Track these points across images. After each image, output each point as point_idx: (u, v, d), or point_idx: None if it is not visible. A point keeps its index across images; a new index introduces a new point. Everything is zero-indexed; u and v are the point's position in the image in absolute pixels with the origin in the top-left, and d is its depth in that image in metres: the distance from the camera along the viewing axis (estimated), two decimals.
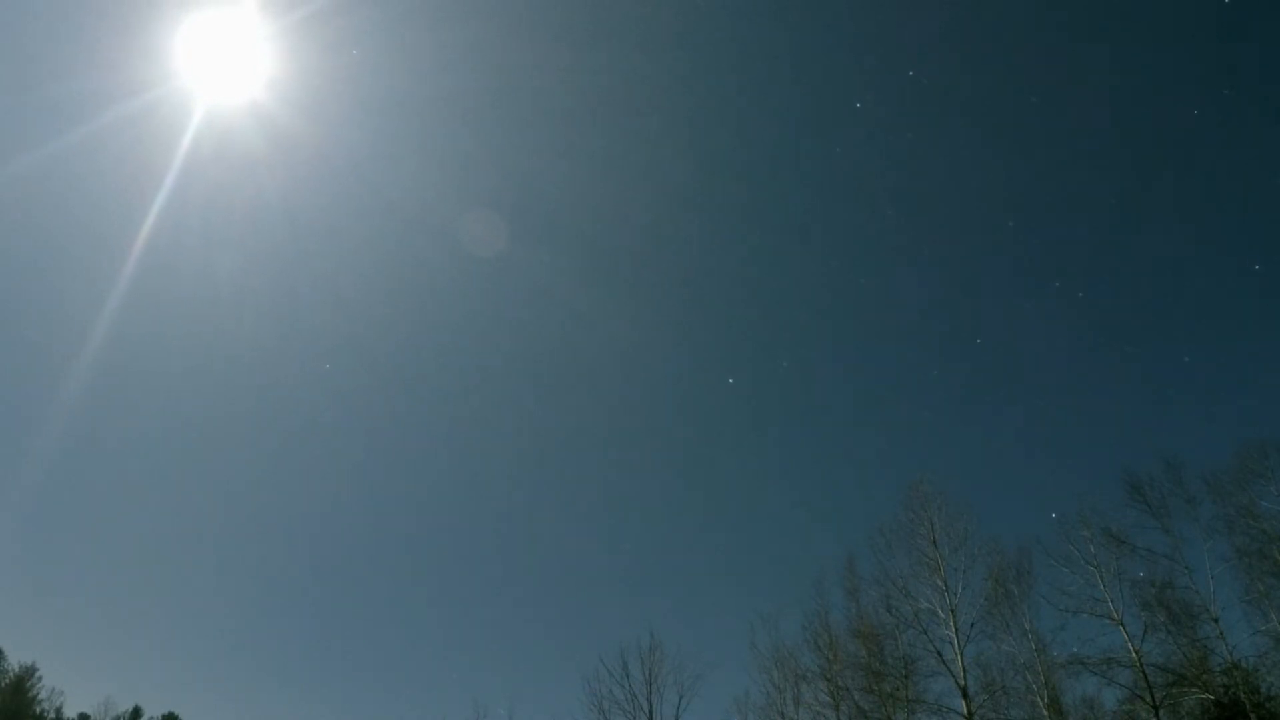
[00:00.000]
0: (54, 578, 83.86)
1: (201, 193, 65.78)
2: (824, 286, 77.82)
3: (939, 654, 26.67)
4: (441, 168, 71.11)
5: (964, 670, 25.96)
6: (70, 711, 71.12)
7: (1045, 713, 25.75)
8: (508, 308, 78.59)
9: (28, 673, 68.07)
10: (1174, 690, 24.69)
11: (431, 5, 55.24)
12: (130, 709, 75.25)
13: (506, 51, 61.14)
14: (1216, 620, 24.03)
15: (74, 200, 71.10)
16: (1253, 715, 23.21)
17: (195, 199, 67.66)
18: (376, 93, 63.44)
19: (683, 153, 76.32)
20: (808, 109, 71.23)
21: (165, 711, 76.25)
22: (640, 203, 73.98)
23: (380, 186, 69.53)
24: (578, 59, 62.82)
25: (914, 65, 65.58)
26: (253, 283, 77.99)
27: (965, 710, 25.40)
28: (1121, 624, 25.09)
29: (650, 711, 33.71)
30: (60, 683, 71.97)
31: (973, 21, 63.01)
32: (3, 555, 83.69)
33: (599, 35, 66.96)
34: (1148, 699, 24.16)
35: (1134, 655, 24.56)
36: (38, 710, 67.62)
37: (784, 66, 66.93)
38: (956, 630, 26.42)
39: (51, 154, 57.13)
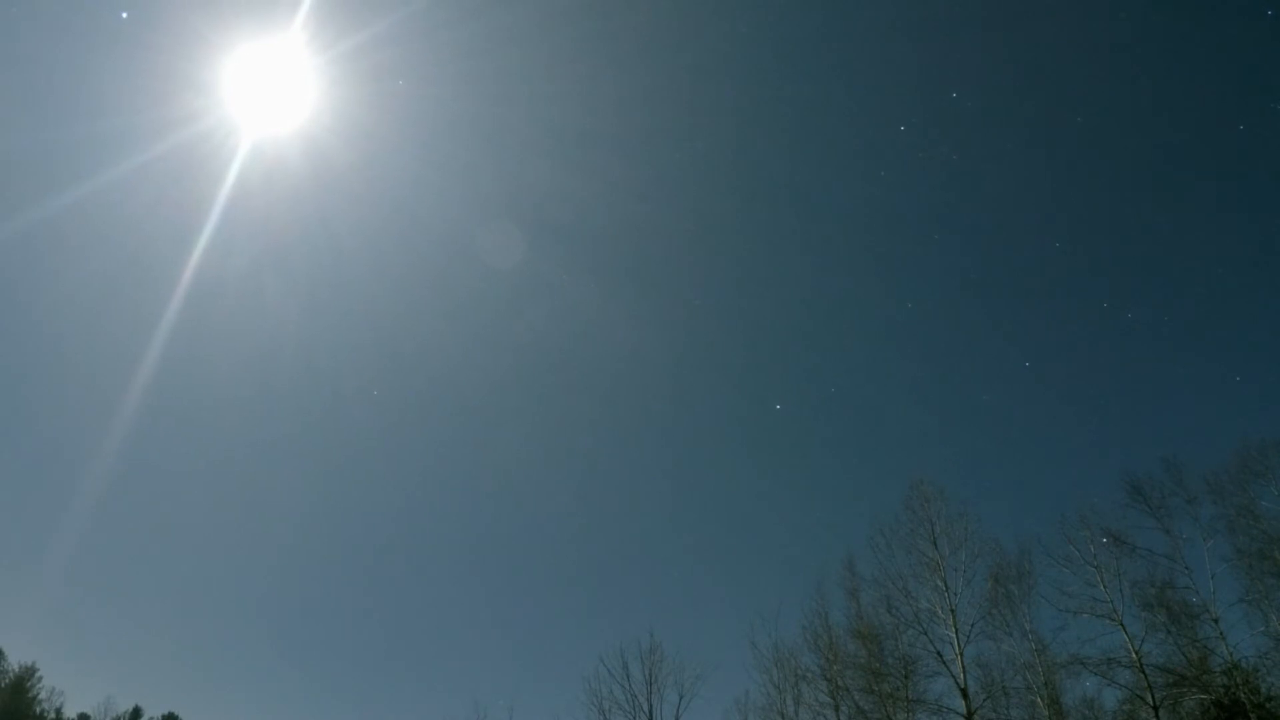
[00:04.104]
0: (55, 578, 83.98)
1: (249, 222, 66.67)
2: (844, 294, 78.07)
3: (939, 654, 26.70)
4: (489, 196, 71.67)
5: (964, 670, 25.98)
6: (70, 711, 71.11)
7: (1045, 713, 25.75)
8: (536, 325, 79.07)
9: (28, 673, 68.02)
10: (1174, 691, 24.68)
11: (478, 35, 55.10)
12: (130, 709, 75.25)
13: (553, 79, 61.32)
14: (1217, 620, 24.02)
15: (125, 231, 72.33)
16: (1253, 716, 23.18)
17: (242, 228, 68.62)
18: (423, 123, 63.83)
19: (727, 178, 76.82)
20: (852, 132, 71.41)
21: (165, 711, 76.31)
22: (682, 227, 74.40)
23: (426, 215, 70.16)
24: (624, 86, 63.13)
25: (957, 87, 65.61)
26: (300, 310, 79.13)
27: (965, 710, 25.39)
28: (1122, 624, 25.09)
29: (650, 712, 33.74)
30: (60, 683, 71.89)
31: (1014, 43, 63.16)
32: (3, 555, 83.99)
33: (644, 61, 67.47)
34: (1148, 699, 24.15)
35: (1134, 655, 24.55)
36: (38, 710, 67.57)
37: (828, 91, 67.22)
38: (956, 630, 26.42)
39: (102, 186, 57.63)
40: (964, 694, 25.61)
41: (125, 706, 74.79)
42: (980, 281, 74.51)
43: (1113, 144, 64.00)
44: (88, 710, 72.33)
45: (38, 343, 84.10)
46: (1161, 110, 62.02)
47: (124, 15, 53.45)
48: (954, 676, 25.99)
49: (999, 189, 70.56)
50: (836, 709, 29.52)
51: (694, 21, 63.27)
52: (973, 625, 26.73)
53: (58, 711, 69.75)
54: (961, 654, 26.09)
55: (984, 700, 26.35)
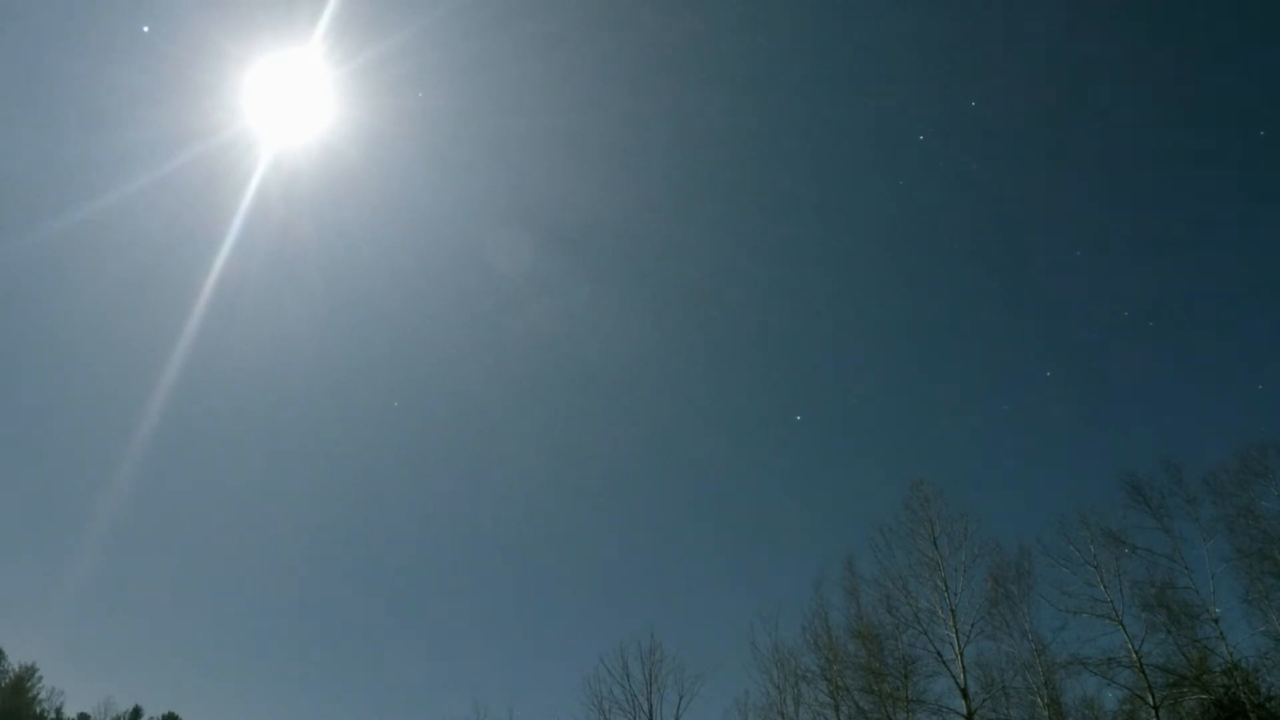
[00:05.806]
0: (55, 577, 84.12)
1: (269, 234, 66.64)
2: (859, 301, 78.13)
3: (939, 654, 26.74)
4: (508, 207, 72.13)
5: (964, 670, 26.00)
6: (70, 711, 71.03)
7: (1045, 713, 25.76)
8: (553, 333, 79.01)
9: (28, 673, 67.95)
10: (1174, 690, 24.69)
11: (496, 46, 55.10)
12: (130, 709, 75.19)
13: (571, 91, 61.89)
14: (1216, 620, 24.05)
15: (145, 242, 72.76)
16: (1253, 715, 23.19)
17: (262, 240, 68.45)
18: (443, 134, 63.76)
19: (743, 188, 76.59)
20: (869, 141, 71.40)
21: (165, 711, 76.26)
22: (699, 237, 74.28)
23: (445, 226, 70.52)
24: (641, 99, 63.08)
25: (975, 96, 65.52)
26: (319, 322, 79.43)
27: (965, 710, 25.40)
28: (1122, 624, 25.11)
29: (650, 712, 33.75)
30: (60, 683, 71.81)
31: (1032, 52, 63.12)
32: (7, 556, 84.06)
33: (661, 72, 67.56)
34: (1148, 699, 24.17)
35: (1134, 655, 24.56)
36: (38, 710, 67.52)
37: (845, 100, 67.11)
38: (956, 630, 26.44)
39: (123, 198, 57.87)
40: (964, 694, 25.62)
41: (125, 706, 74.74)
42: (998, 290, 74.43)
43: (1127, 151, 63.98)
44: (88, 710, 72.32)
45: (58, 352, 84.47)
46: (1174, 117, 61.97)
47: (145, 29, 53.54)
48: (954, 676, 26.03)
49: (1017, 198, 70.49)
50: (836, 709, 29.54)
51: (710, 33, 63.25)
52: (973, 625, 26.80)
53: (58, 711, 69.74)
54: (961, 654, 26.12)
55: (984, 700, 26.37)
